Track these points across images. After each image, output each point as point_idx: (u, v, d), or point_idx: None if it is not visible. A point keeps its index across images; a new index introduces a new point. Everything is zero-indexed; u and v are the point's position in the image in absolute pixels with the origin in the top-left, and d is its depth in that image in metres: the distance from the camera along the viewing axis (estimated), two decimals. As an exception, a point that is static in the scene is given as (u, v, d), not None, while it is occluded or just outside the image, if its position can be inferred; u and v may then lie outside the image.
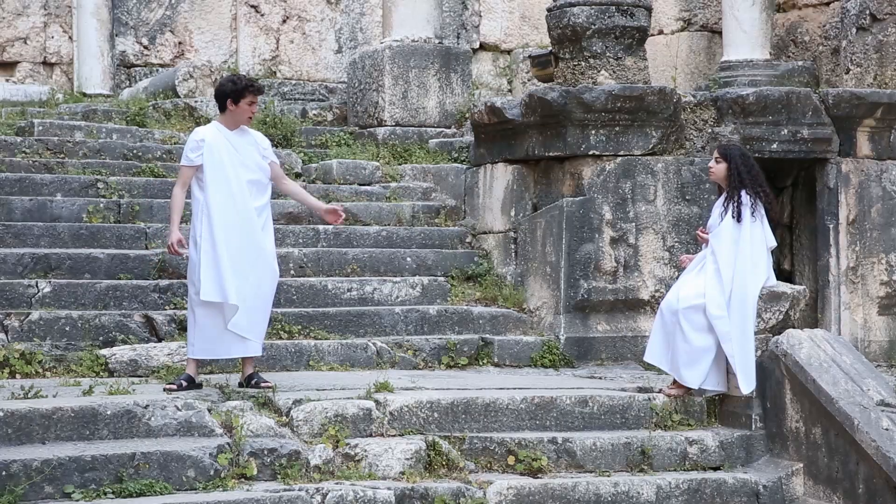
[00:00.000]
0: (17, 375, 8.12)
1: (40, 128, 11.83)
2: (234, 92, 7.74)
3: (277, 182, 8.00)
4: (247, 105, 7.74)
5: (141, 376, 8.26)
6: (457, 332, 9.86)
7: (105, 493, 6.22)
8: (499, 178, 10.93)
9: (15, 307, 8.80)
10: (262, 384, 7.64)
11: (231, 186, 7.66)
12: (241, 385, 7.76)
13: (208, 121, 12.64)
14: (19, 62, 14.97)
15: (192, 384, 7.61)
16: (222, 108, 7.82)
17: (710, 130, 10.49)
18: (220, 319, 7.60)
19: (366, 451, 6.99)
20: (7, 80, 14.73)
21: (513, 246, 10.66)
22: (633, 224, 10.10)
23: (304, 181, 11.67)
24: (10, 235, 9.65)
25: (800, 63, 13.98)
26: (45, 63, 15.11)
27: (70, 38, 15.08)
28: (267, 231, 7.82)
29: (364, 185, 11.77)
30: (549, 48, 11.12)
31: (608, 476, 7.34)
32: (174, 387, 7.50)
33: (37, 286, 8.97)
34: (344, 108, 14.27)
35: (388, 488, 6.65)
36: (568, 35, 10.53)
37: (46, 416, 6.60)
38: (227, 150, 7.70)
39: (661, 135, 10.22)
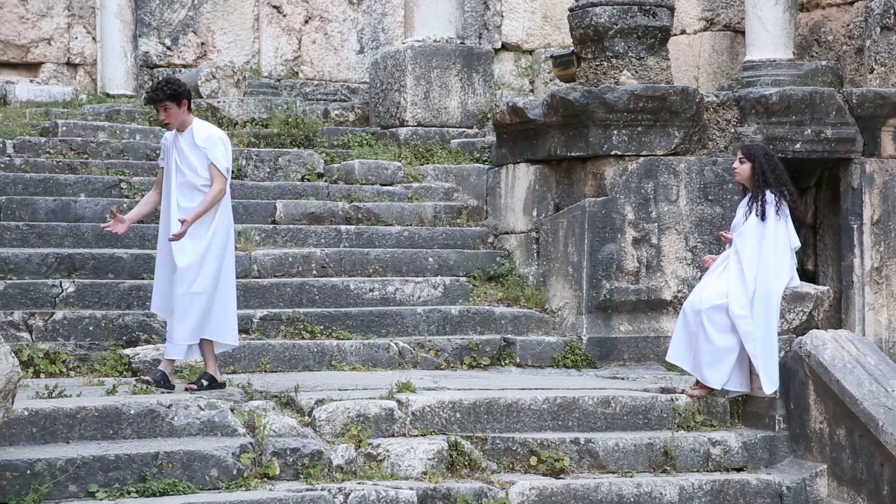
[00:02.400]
0: (42, 375, 8.16)
1: (64, 128, 11.89)
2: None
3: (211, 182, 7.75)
4: (157, 110, 7.75)
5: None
6: (479, 332, 9.85)
7: (129, 493, 6.24)
8: (521, 179, 10.92)
9: (39, 307, 8.85)
10: (188, 386, 7.58)
11: (170, 189, 7.67)
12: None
13: (231, 121, 12.72)
14: (43, 63, 15.04)
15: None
16: None
17: (732, 130, 10.46)
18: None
19: (388, 451, 6.99)
20: (31, 81, 14.80)
21: (535, 246, 10.65)
22: (656, 224, 10.07)
23: (326, 181, 11.69)
24: (35, 235, 9.70)
25: (823, 63, 13.91)
26: (68, 64, 15.18)
27: (93, 38, 15.14)
28: (196, 236, 7.56)
29: (386, 185, 11.78)
30: (571, 48, 11.11)
31: (631, 477, 7.33)
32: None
33: (61, 286, 9.01)
34: (366, 108, 14.28)
35: (411, 488, 6.65)
36: (590, 35, 10.51)
37: (70, 416, 6.63)
38: (172, 153, 7.71)
39: (684, 135, 10.20)
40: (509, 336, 9.77)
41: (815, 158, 10.72)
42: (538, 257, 10.59)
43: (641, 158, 10.10)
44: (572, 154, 10.29)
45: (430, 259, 10.58)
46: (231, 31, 15.77)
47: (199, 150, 7.62)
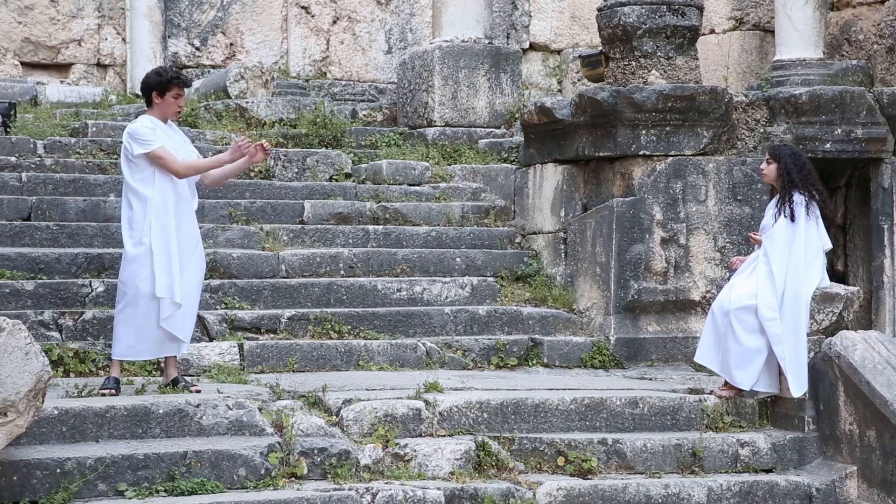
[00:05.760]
0: (72, 374, 8.22)
1: (94, 129, 11.96)
2: (158, 84, 7.56)
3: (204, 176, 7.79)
4: (172, 98, 7.55)
5: (193, 375, 8.33)
6: (506, 332, 9.85)
7: (157, 492, 6.27)
8: (548, 179, 10.91)
9: (69, 306, 8.90)
10: (192, 388, 7.46)
11: (175, 182, 7.52)
12: (162, 388, 7.53)
13: (259, 122, 12.74)
14: (73, 64, 15.14)
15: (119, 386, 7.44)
16: (149, 102, 7.65)
17: (762, 130, 10.41)
18: (153, 320, 7.42)
19: (415, 451, 7.00)
20: (62, 82, 14.91)
21: (562, 246, 10.63)
22: (684, 224, 10.04)
23: (354, 181, 11.71)
24: (65, 235, 9.77)
25: (854, 62, 13.82)
26: (98, 65, 15.28)
27: (123, 39, 15.23)
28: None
29: (414, 185, 11.79)
30: (600, 48, 11.08)
31: (659, 478, 7.31)
32: (110, 391, 7.28)
33: (90, 286, 9.06)
34: (394, 108, 14.30)
35: (438, 488, 6.66)
36: (618, 35, 10.48)
37: (100, 415, 6.67)
38: (170, 145, 7.53)
39: (713, 135, 10.16)
40: (537, 336, 9.77)
41: (845, 158, 10.66)
42: (566, 257, 10.58)
43: (670, 158, 10.07)
44: (600, 154, 10.27)
45: (458, 259, 10.58)
46: (260, 32, 15.82)
47: (188, 147, 7.75)
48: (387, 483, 6.69)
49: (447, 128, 13.07)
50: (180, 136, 7.76)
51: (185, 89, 7.69)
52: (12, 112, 12.17)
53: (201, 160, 7.67)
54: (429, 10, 14.94)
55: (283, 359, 8.81)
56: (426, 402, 7.40)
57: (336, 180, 11.69)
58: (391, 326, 9.53)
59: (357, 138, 12.90)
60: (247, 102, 13.01)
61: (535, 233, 11.05)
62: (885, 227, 10.56)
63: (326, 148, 12.25)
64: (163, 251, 7.43)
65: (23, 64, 14.90)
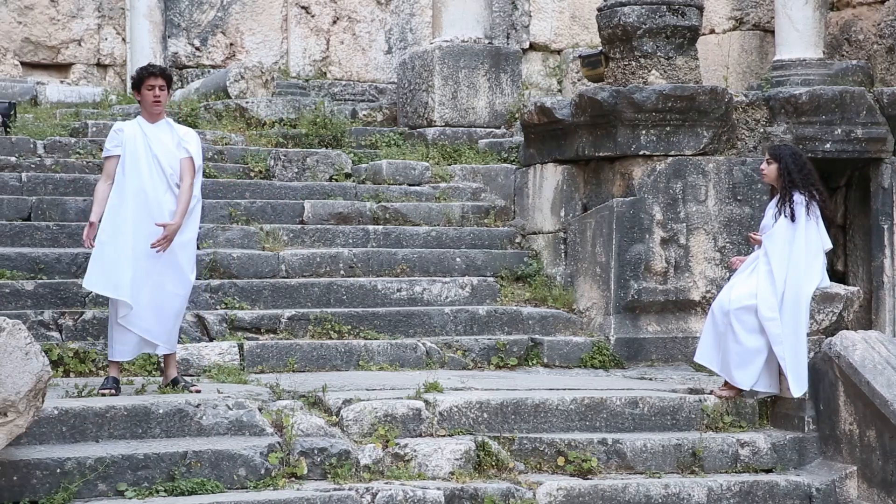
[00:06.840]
0: (72, 374, 8.22)
1: (94, 129, 11.96)
2: (133, 82, 7.68)
3: (181, 177, 7.57)
4: (147, 90, 7.55)
5: (193, 375, 8.33)
6: (506, 332, 9.85)
7: (157, 492, 6.27)
8: (548, 179, 10.91)
9: (69, 306, 8.90)
10: (192, 388, 7.44)
11: (143, 181, 7.43)
12: (162, 388, 7.52)
13: (259, 122, 12.76)
14: (73, 64, 15.15)
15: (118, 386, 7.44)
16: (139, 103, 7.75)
17: (762, 130, 10.41)
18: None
19: (415, 451, 7.00)
20: (62, 82, 14.91)
21: (562, 246, 10.64)
22: (684, 224, 10.05)
23: (354, 181, 11.71)
24: (65, 235, 9.77)
25: (854, 62, 13.82)
26: (98, 65, 15.28)
27: (123, 39, 15.23)
28: (184, 232, 7.51)
29: (414, 185, 11.79)
30: (600, 48, 11.08)
31: (659, 478, 7.31)
32: (110, 391, 7.27)
33: (90, 286, 9.06)
34: (394, 108, 14.30)
35: (438, 488, 6.66)
36: (618, 35, 10.48)
37: (100, 415, 6.67)
38: (143, 145, 7.48)
39: (713, 135, 10.16)
40: (537, 336, 9.77)
41: (845, 158, 10.66)
42: (566, 257, 10.58)
43: (670, 158, 10.07)
44: (600, 154, 10.27)
45: (458, 259, 10.58)
46: (260, 32, 15.83)
47: (179, 145, 7.58)
48: (387, 483, 6.69)
49: (447, 128, 13.07)
50: (170, 139, 7.58)
51: (162, 79, 7.60)
52: (12, 112, 12.17)
53: (97, 197, 7.53)
54: (429, 10, 14.94)
55: (283, 359, 8.81)
56: (426, 402, 7.40)
57: (336, 180, 11.69)
58: (391, 326, 9.53)
59: (357, 138, 12.90)
60: (247, 102, 13.02)
61: (535, 233, 11.05)
62: (885, 227, 10.57)
63: (326, 148, 12.25)
64: (99, 244, 7.37)
65: (23, 64, 14.91)
